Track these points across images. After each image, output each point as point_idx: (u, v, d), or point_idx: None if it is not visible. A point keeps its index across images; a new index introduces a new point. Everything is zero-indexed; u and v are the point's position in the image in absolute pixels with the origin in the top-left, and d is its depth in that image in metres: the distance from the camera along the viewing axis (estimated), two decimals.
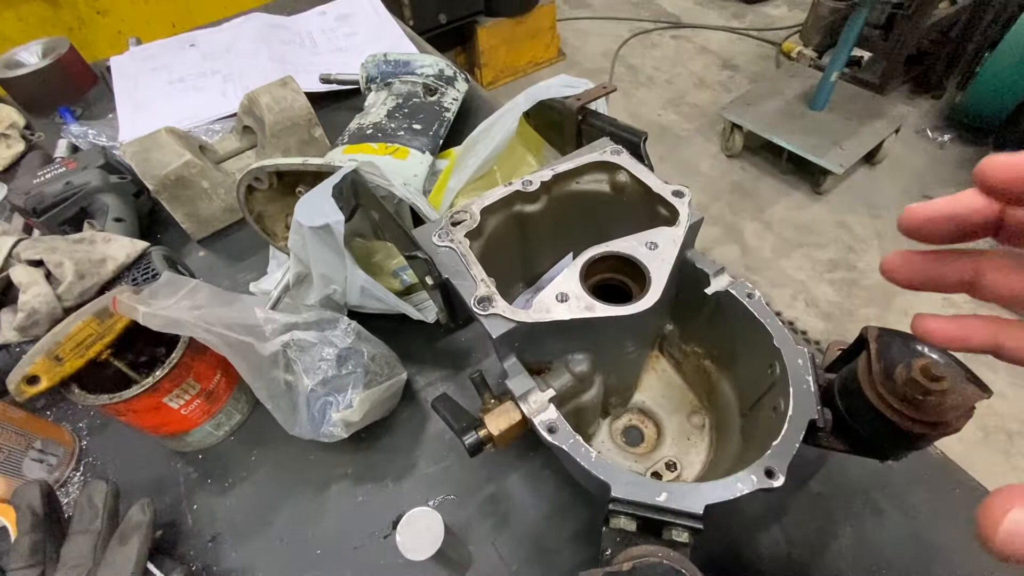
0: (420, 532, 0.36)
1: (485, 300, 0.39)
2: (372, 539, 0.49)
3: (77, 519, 0.45)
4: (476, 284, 0.40)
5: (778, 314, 1.72)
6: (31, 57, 1.02)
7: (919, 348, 0.36)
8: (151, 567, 0.45)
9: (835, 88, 2.09)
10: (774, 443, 0.34)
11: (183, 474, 0.55)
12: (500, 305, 0.38)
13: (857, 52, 2.26)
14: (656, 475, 0.47)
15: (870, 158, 2.13)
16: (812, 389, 0.37)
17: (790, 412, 0.36)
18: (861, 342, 0.38)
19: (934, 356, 0.35)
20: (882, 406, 0.34)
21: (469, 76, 0.88)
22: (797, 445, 0.34)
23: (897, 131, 2.08)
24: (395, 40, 1.06)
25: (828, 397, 0.39)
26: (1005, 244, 0.23)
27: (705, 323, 0.46)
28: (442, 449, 0.54)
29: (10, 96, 1.00)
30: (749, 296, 0.41)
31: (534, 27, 2.70)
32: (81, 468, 0.56)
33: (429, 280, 0.42)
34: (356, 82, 0.88)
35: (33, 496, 0.44)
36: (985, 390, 0.34)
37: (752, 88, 2.35)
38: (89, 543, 0.43)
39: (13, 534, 0.47)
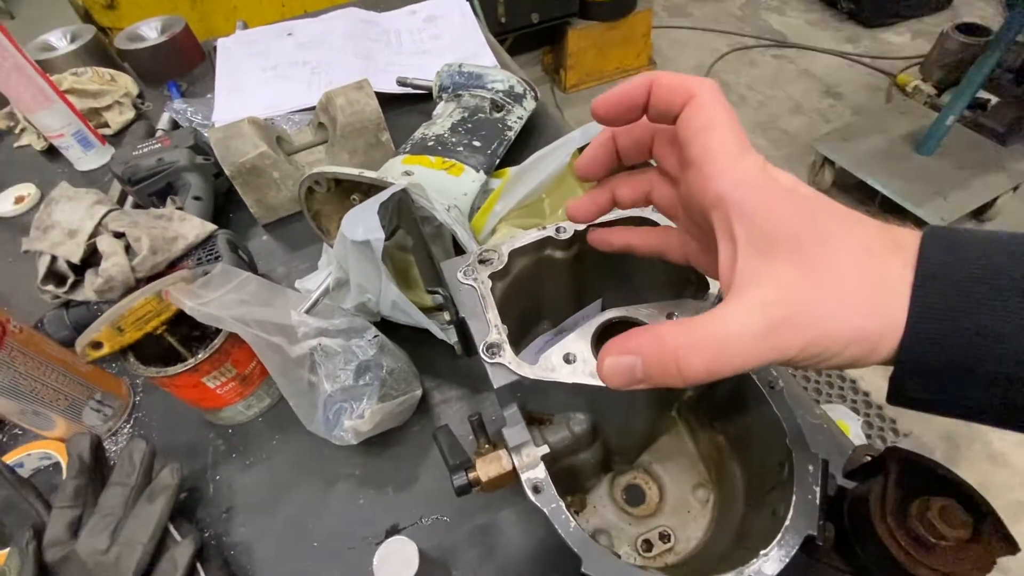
0: (396, 564, 0.37)
1: (494, 347, 0.39)
2: (365, 543, 0.52)
3: (117, 471, 0.50)
4: (489, 328, 0.41)
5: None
6: (151, 32, 1.12)
7: (946, 481, 0.33)
8: (170, 527, 0.49)
9: (950, 132, 1.89)
10: (762, 551, 0.33)
11: (213, 445, 0.60)
12: (507, 355, 0.38)
13: (983, 95, 2.03)
14: (647, 543, 0.46)
15: (979, 213, 1.92)
16: (817, 501, 0.34)
17: (787, 522, 0.34)
18: (884, 461, 0.35)
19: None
20: (889, 541, 0.31)
21: (538, 92, 0.88)
22: (787, 560, 0.32)
23: (1016, 188, 1.86)
24: (476, 48, 1.08)
25: (837, 509, 0.36)
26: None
27: (723, 401, 0.45)
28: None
29: (129, 66, 1.12)
30: (771, 387, 0.39)
31: (627, 33, 2.64)
32: (132, 421, 0.63)
33: (446, 316, 0.43)
34: (429, 88, 0.90)
35: (84, 446, 0.50)
36: (1013, 545, 0.30)
37: (854, 121, 2.19)
38: (123, 495, 0.49)
39: (65, 473, 0.53)
